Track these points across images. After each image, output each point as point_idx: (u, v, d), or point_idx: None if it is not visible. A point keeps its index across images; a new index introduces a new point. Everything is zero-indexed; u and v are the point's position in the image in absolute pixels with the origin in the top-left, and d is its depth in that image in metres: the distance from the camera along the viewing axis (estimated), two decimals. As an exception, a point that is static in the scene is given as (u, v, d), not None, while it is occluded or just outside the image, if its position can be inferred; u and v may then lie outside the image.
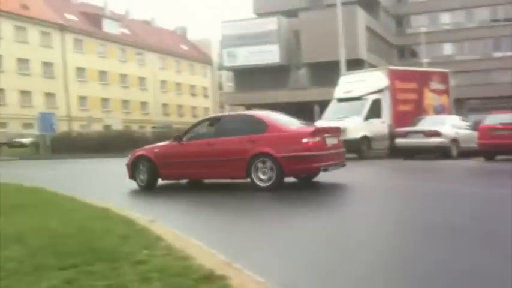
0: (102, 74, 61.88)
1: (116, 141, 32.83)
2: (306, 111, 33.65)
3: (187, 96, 76.96)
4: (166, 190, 10.98)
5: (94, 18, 63.24)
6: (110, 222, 6.06)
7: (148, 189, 10.70)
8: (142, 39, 69.84)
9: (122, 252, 4.43)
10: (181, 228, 5.78)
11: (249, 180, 9.60)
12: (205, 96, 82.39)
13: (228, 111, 70.43)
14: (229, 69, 57.57)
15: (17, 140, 44.42)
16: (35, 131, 43.64)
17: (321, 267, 4.27)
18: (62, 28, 56.55)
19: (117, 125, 50.70)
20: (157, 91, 70.52)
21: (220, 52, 57.44)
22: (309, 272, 4.14)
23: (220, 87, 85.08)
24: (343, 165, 10.48)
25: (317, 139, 9.42)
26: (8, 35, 50.67)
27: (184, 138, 10.76)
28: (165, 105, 72.16)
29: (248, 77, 51.80)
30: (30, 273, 3.85)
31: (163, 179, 11.06)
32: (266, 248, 5.13)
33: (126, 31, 68.14)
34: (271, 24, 50.48)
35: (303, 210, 7.42)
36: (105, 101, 61.99)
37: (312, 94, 43.23)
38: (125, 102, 65.08)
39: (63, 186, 10.83)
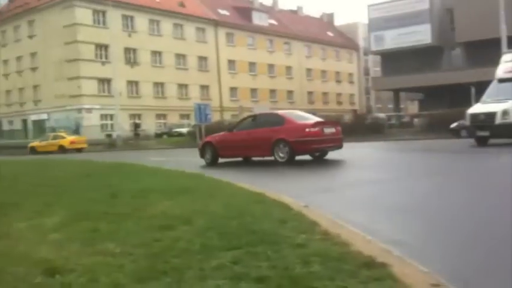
0: (252, 65, 64.19)
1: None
2: (460, 93, 31.48)
3: (332, 83, 76.62)
4: (225, 164, 15.45)
5: (244, 11, 65.78)
6: (266, 206, 6.25)
7: (212, 164, 15.32)
8: (289, 29, 70.99)
9: (281, 236, 4.53)
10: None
11: (271, 157, 14.10)
12: (351, 82, 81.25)
13: (376, 96, 68.15)
14: (376, 53, 56.08)
15: (175, 130, 48.02)
16: (192, 121, 46.84)
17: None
18: (216, 23, 59.70)
19: (265, 114, 52.21)
20: (303, 79, 71.26)
21: (367, 36, 56.14)
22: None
23: (367, 73, 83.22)
24: (340, 148, 14.60)
25: (316, 129, 13.75)
26: (167, 33, 54.80)
27: (234, 130, 15.66)
28: (310, 93, 72.66)
29: (396, 61, 49.89)
30: (199, 252, 4.11)
31: (221, 158, 15.64)
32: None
33: (274, 22, 69.78)
34: (422, 3, 47.99)
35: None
36: (253, 91, 64.29)
37: (468, 75, 40.16)
38: (272, 91, 66.82)
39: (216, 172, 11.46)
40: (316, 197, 7.50)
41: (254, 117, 16.02)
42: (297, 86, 70.30)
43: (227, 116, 55.26)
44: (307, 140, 13.54)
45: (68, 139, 35.86)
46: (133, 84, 51.96)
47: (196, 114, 38.31)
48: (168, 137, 45.45)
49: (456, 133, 22.45)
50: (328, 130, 14.26)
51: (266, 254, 3.95)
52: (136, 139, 42.77)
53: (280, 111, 16.26)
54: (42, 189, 9.07)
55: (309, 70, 72.71)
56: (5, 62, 57.16)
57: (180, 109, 54.55)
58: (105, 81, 48.69)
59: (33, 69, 53.25)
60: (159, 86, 54.53)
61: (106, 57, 48.61)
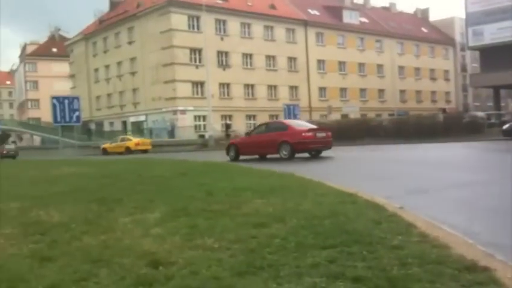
0: (341, 64, 63.47)
1: (353, 129, 33.35)
2: None
3: (426, 81, 73.77)
4: (244, 160, 18.75)
5: (335, 10, 65.22)
6: (359, 206, 6.19)
7: (235, 160, 19.16)
8: (381, 26, 69.38)
9: (376, 236, 4.48)
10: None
11: (277, 155, 18.24)
12: (447, 79, 77.74)
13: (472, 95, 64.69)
14: (474, 48, 53.30)
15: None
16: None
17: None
18: (306, 23, 59.72)
19: (354, 113, 51.46)
20: (394, 77, 69.26)
21: (464, 31, 53.48)
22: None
23: (464, 69, 79.20)
24: (329, 148, 18.93)
25: (310, 133, 18.14)
26: (258, 35, 55.61)
27: (251, 134, 20.74)
28: (402, 91, 70.45)
29: (496, 56, 47.04)
30: (294, 250, 4.17)
31: (242, 155, 19.71)
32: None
33: (365, 20, 68.53)
34: (526, -6, 44.96)
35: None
36: (343, 90, 63.51)
37: None
38: (362, 90, 65.61)
39: (304, 171, 11.46)
40: (410, 198, 7.29)
41: (266, 125, 21.46)
42: (389, 84, 68.44)
43: (316, 116, 55.06)
44: (304, 142, 17.91)
45: (133, 141, 38.33)
46: (224, 86, 53.27)
47: (285, 115, 38.68)
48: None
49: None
50: (320, 134, 18.62)
51: (361, 254, 3.93)
52: (228, 139, 43.81)
53: (284, 120, 24.22)
54: (142, 187, 9.59)
55: (401, 68, 70.54)
56: (107, 67, 60.84)
57: (270, 110, 55.12)
58: (198, 84, 50.33)
59: (133, 73, 56.23)
60: (249, 87, 55.47)
61: (199, 61, 50.22)
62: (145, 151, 37.23)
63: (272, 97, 56.88)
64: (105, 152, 38.67)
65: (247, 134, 21.33)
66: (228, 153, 20.07)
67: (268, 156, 19.45)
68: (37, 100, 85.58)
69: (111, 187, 9.88)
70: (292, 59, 58.87)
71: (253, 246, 4.39)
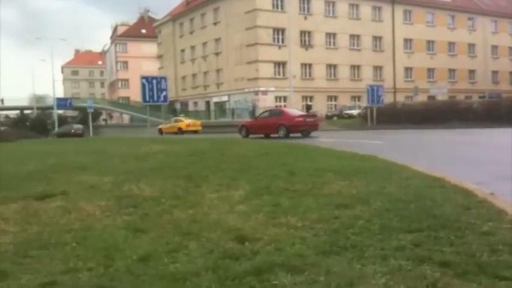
0: (429, 44, 60.86)
1: (441, 112, 32.00)
2: None
3: (523, 61, 69.01)
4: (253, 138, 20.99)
5: (424, -13, 62.40)
6: (447, 191, 6.01)
7: (246, 137, 24.26)
8: (474, 3, 65.55)
9: (465, 222, 4.35)
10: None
11: (277, 134, 23.44)
12: (546, 60, 72.29)
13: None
14: None
15: (346, 111, 47.83)
16: (363, 102, 46.22)
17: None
18: (393, 1, 57.65)
19: (442, 95, 49.31)
20: (487, 57, 65.37)
21: None
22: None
23: None
24: (316, 129, 24.69)
25: (301, 118, 23.98)
26: (342, 14, 54.50)
27: (258, 118, 26.56)
28: (494, 72, 66.41)
29: None
30: (379, 232, 4.16)
31: (251, 135, 24.92)
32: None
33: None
34: None
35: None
36: (430, 70, 60.97)
37: None
38: (451, 71, 62.62)
39: (388, 154, 11.21)
40: (501, 184, 6.95)
41: (269, 111, 27.64)
42: (480, 64, 64.73)
43: (401, 97, 53.37)
44: (296, 125, 23.80)
45: (185, 122, 40.28)
46: (306, 66, 52.86)
47: (369, 96, 37.76)
48: (338, 119, 45.50)
49: None
50: (309, 119, 24.92)
51: (449, 239, 3.85)
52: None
53: (281, 108, 32.75)
54: (226, 165, 9.84)
55: (494, 47, 66.39)
56: (193, 47, 62.33)
57: (352, 91, 54.11)
58: (280, 64, 50.34)
59: (217, 54, 57.22)
60: (331, 67, 54.68)
61: (282, 41, 50.12)
62: (195, 131, 39.01)
63: (355, 77, 55.77)
64: (160, 132, 40.66)
65: (256, 118, 27.94)
66: (240, 133, 26.30)
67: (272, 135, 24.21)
68: (127, 80, 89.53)
69: (197, 165, 10.22)
70: (377, 38, 57.22)
71: (336, 227, 4.42)
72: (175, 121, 41.61)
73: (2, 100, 74.21)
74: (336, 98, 54.66)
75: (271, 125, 24.11)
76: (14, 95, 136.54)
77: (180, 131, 38.78)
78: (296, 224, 4.60)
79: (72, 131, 47.67)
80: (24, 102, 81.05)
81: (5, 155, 17.42)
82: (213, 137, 25.07)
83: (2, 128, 54.77)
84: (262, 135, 24.37)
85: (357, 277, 3.15)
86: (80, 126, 52.65)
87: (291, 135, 23.46)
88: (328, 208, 5.18)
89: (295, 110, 27.88)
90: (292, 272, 3.28)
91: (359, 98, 52.42)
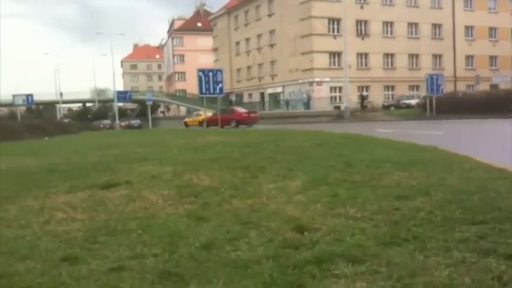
0: (491, 31, 58.41)
1: (503, 101, 30.72)
2: None
3: None
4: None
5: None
6: (511, 183, 5.81)
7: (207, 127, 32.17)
8: (539, -13, 62.21)
9: (533, 215, 4.21)
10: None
11: (229, 126, 32.64)
12: None
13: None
14: None
15: (403, 101, 46.72)
16: (421, 92, 44.98)
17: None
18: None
19: (505, 84, 47.27)
20: (556, 44, 61.95)
21: None
22: None
23: None
24: (256, 122, 34.50)
25: (246, 114, 35.50)
26: (400, 1, 53.15)
27: (215, 114, 35.87)
28: None
29: None
30: (441, 224, 4.09)
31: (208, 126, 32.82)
32: None
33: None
34: None
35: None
36: (492, 58, 58.54)
37: None
38: (516, 58, 59.87)
39: (449, 145, 10.89)
40: None
41: (226, 110, 37.16)
42: (548, 52, 61.50)
43: (461, 87, 51.55)
44: (242, 119, 33.98)
45: (204, 117, 42.72)
46: (362, 56, 52.02)
47: (428, 85, 36.74)
48: (395, 109, 44.53)
49: None
50: (252, 115, 35.26)
51: (515, 231, 3.74)
52: (363, 111, 43.00)
53: (232, 107, 40.24)
54: (282, 156, 9.88)
55: None
56: (247, 40, 62.66)
57: (410, 80, 52.76)
58: (335, 54, 49.76)
59: (271, 45, 57.24)
60: (388, 57, 53.53)
61: (337, 31, 49.52)
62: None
63: (413, 66, 54.36)
64: (186, 124, 44.07)
65: (215, 114, 36.31)
66: (200, 125, 36.66)
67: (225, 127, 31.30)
68: (183, 73, 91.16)
69: (253, 155, 10.33)
70: (436, 26, 55.45)
71: (396, 218, 4.38)
72: (197, 115, 45.88)
73: (62, 94, 77.32)
74: (393, 87, 53.52)
75: (226, 119, 33.54)
76: (76, 89, 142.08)
77: (201, 124, 40.65)
78: (355, 215, 4.59)
79: (129, 123, 54.06)
80: (86, 96, 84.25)
81: (69, 146, 18.20)
82: (267, 128, 25.20)
83: (66, 120, 57.06)
84: (218, 126, 31.59)
85: (420, 268, 3.13)
86: (137, 120, 56.62)
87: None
88: (387, 199, 5.13)
89: (241, 108, 40.37)
90: (352, 262, 3.29)
91: (417, 87, 51.06)
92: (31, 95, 48.80)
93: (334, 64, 50.25)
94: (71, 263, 3.64)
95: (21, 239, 4.39)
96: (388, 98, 52.57)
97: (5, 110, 68.11)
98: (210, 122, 33.80)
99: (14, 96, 48.44)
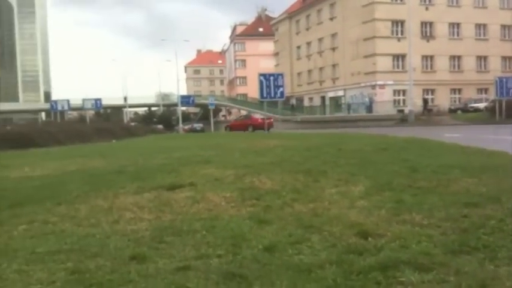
0: None
1: None
2: None
3: None
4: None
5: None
6: None
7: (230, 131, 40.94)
8: None
9: None
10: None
11: (248, 131, 37.04)
12: None
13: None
14: None
15: (471, 105, 45.00)
16: (490, 95, 43.14)
17: None
18: (523, -14, 53.15)
19: None
20: None
21: None
22: None
23: None
24: (272, 127, 37.22)
25: (260, 120, 39.70)
26: (467, 2, 51.32)
27: (237, 120, 47.31)
28: None
29: None
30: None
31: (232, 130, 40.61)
32: None
33: None
34: None
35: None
36: None
37: None
38: None
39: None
40: None
41: (244, 116, 47.94)
42: None
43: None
44: (258, 124, 37.27)
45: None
46: (427, 58, 50.54)
47: (497, 88, 35.24)
48: (462, 113, 42.95)
49: None
50: (267, 120, 34.66)
51: None
52: (428, 115, 41.75)
53: (251, 115, 49.12)
54: (344, 160, 9.78)
55: None
56: (308, 43, 62.43)
57: (477, 83, 50.75)
58: (399, 57, 48.66)
59: (333, 49, 56.74)
60: (455, 59, 51.73)
61: (401, 33, 48.41)
62: None
63: (481, 69, 52.25)
64: (229, 128, 45.57)
65: (236, 120, 46.55)
66: (225, 129, 43.68)
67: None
68: (244, 77, 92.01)
69: (314, 159, 10.29)
70: (505, 27, 53.07)
71: (465, 226, 4.24)
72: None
73: (125, 98, 79.93)
74: (459, 90, 51.67)
75: (245, 124, 40.01)
76: (142, 93, 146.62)
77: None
78: (421, 222, 4.47)
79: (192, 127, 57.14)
80: (151, 100, 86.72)
81: (136, 149, 18.82)
82: (328, 132, 24.99)
83: (132, 124, 59.01)
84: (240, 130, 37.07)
85: (490, 278, 3.01)
86: (200, 124, 58.57)
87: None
88: (455, 206, 4.97)
89: (258, 115, 47.44)
90: (419, 270, 3.21)
91: (486, 90, 49.02)
92: (100, 100, 50.89)
93: (397, 67, 49.16)
94: (139, 261, 3.76)
95: (91, 237, 4.58)
96: (455, 101, 50.79)
97: (75, 113, 71.40)
98: (233, 127, 41.73)
99: (83, 100, 50.61)
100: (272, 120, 40.13)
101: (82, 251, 4.11)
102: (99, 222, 5.20)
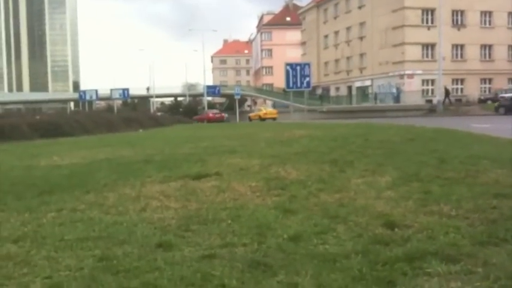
0: None
1: None
2: None
3: None
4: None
5: None
6: None
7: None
8: None
9: None
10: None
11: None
12: None
13: None
14: None
15: (502, 95, 43.95)
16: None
17: None
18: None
19: None
20: None
21: None
22: None
23: None
24: (222, 121, 48.66)
25: (211, 115, 51.53)
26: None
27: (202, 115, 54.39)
28: None
29: None
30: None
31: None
32: None
33: None
34: None
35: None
36: None
37: None
38: None
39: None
40: None
41: (202, 113, 55.87)
42: None
43: None
44: (211, 117, 48.81)
45: (263, 111, 49.09)
46: (458, 47, 49.51)
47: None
48: (492, 103, 41.97)
49: None
50: (218, 115, 50.94)
51: None
52: (451, 105, 40.89)
53: (208, 111, 55.46)
54: (370, 151, 9.69)
55: None
56: (336, 33, 61.79)
57: (509, 72, 49.50)
58: (429, 46, 47.75)
59: (361, 38, 56.03)
60: (486, 48, 50.53)
61: (432, 22, 47.47)
62: (273, 119, 45.41)
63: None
64: (249, 119, 48.96)
65: (202, 114, 54.54)
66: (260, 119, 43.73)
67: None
68: (271, 67, 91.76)
69: (340, 149, 10.21)
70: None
71: (494, 217, 4.16)
72: (258, 110, 51.67)
73: (148, 88, 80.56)
74: (490, 80, 50.53)
75: (202, 119, 48.35)
76: (169, 83, 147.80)
77: (260, 118, 46.29)
78: (449, 213, 4.41)
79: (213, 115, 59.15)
80: (178, 90, 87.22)
81: (162, 138, 19.00)
82: (355, 122, 24.76)
83: (159, 114, 59.56)
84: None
85: (519, 270, 2.95)
86: (225, 114, 59.42)
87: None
88: (484, 197, 4.88)
89: (215, 110, 56.68)
90: (446, 261, 3.17)
91: (517, 81, 47.89)
92: (127, 90, 51.46)
93: (426, 56, 48.29)
94: (165, 249, 3.81)
95: (119, 225, 4.66)
96: (485, 91, 49.71)
97: (103, 103, 72.39)
98: (198, 119, 49.71)
99: (111, 90, 51.26)
100: (224, 115, 51.85)
101: (110, 239, 4.18)
102: (127, 210, 5.28)
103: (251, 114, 51.25)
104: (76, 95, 66.66)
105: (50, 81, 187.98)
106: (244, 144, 12.98)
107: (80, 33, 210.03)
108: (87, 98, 49.90)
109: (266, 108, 53.19)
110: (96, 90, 50.30)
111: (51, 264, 3.58)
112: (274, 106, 72.02)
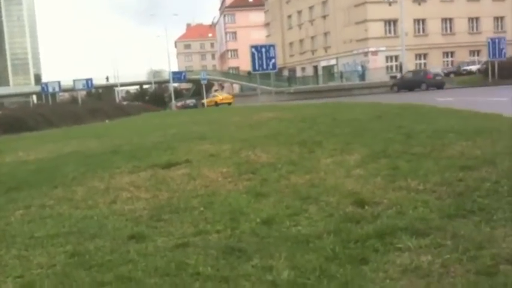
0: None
1: None
2: None
3: None
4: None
5: None
6: None
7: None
8: None
9: None
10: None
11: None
12: None
13: None
14: None
15: (464, 68, 44.91)
16: (483, 57, 43.03)
17: None
18: None
19: None
20: None
21: None
22: None
23: None
24: (196, 107, 52.39)
25: (179, 104, 58.17)
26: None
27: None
28: None
29: None
30: (508, 194, 3.94)
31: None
32: None
33: None
34: None
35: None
36: None
37: None
38: None
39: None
40: None
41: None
42: None
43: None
44: (180, 107, 55.11)
45: (219, 97, 50.42)
46: (420, 22, 50.22)
47: (489, 50, 35.17)
48: (455, 76, 42.88)
49: None
50: (188, 101, 60.61)
51: None
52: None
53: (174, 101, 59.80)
54: (339, 130, 9.77)
55: None
56: (299, 12, 61.83)
57: (470, 45, 50.57)
58: (391, 22, 48.32)
59: (324, 17, 56.22)
60: (447, 21, 51.42)
61: (392, -2, 48.06)
62: (229, 103, 46.28)
63: (473, 31, 51.98)
64: (203, 105, 50.45)
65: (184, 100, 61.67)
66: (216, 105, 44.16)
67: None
68: (236, 50, 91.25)
69: (309, 130, 10.27)
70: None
71: (461, 190, 4.26)
72: (213, 96, 52.60)
73: (107, 78, 79.34)
74: (452, 53, 51.57)
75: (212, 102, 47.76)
76: (134, 71, 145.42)
77: (216, 104, 46.72)
78: (417, 187, 4.49)
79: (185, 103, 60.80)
80: (143, 78, 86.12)
81: (130, 128, 18.76)
82: (322, 102, 24.91)
83: (125, 103, 58.74)
84: None
85: (486, 240, 3.04)
86: (193, 100, 61.98)
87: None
88: (450, 170, 4.98)
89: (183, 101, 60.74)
90: (416, 235, 3.24)
91: (478, 52, 48.92)
92: (90, 80, 50.42)
93: (389, 32, 48.90)
94: (138, 240, 3.78)
95: (89, 219, 4.60)
96: (448, 64, 50.67)
97: (67, 95, 70.88)
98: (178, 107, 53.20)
99: (74, 81, 50.15)
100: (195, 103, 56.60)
101: (81, 233, 4.13)
102: (97, 204, 5.21)
103: (206, 100, 51.66)
104: (38, 88, 65.06)
105: (11, 75, 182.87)
106: (213, 130, 12.92)
107: (38, 25, 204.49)
108: (50, 90, 48.66)
109: (222, 94, 55.49)
110: (59, 82, 49.14)
111: (22, 262, 3.52)
112: (241, 89, 71.88)
